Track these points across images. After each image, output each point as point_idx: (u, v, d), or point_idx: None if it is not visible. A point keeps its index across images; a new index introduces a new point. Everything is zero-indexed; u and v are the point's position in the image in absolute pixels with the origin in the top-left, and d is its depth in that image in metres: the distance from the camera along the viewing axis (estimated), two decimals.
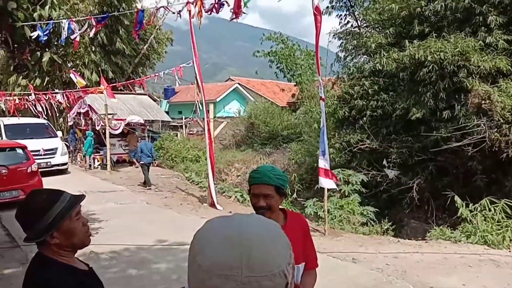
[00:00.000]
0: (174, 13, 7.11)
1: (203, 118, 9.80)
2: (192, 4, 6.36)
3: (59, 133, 15.95)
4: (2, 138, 13.68)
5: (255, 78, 31.31)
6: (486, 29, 8.70)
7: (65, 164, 14.45)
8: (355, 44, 11.59)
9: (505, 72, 8.33)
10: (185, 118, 21.25)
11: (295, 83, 22.49)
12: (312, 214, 8.96)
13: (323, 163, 7.24)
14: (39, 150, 13.26)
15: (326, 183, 7.28)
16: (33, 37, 6.12)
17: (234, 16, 6.58)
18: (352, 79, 11.48)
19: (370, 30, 11.83)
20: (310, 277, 2.11)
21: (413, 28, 9.77)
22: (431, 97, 8.86)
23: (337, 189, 8.50)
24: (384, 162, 10.04)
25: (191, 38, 6.83)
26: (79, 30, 7.77)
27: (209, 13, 6.31)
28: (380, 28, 11.43)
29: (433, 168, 9.21)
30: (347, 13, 12.68)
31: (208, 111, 10.10)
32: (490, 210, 7.17)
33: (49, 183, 9.65)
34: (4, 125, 14.52)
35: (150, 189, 11.85)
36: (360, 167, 10.11)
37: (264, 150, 16.13)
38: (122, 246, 6.36)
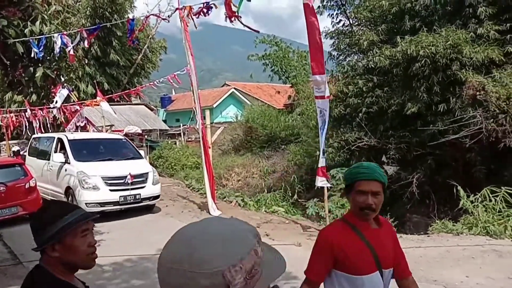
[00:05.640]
0: (164, 19, 7.17)
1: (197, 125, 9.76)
2: (182, 10, 6.42)
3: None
4: (68, 160, 9.53)
5: (251, 82, 31.36)
6: (476, 20, 8.74)
7: (158, 197, 9.85)
8: (347, 42, 11.60)
9: (497, 62, 8.35)
10: (182, 126, 21.27)
11: (290, 85, 22.51)
12: (314, 214, 8.96)
13: (323, 162, 7.27)
14: (125, 177, 9.08)
15: (321, 182, 7.32)
16: (24, 53, 6.16)
17: (228, 20, 6.60)
18: (346, 78, 11.49)
19: (362, 28, 11.84)
20: (414, 285, 2.06)
21: (404, 23, 9.80)
22: (425, 91, 8.88)
23: (331, 186, 8.50)
24: (383, 158, 10.03)
25: (185, 44, 6.81)
26: (72, 43, 7.81)
27: (197, 16, 6.38)
28: (372, 25, 11.45)
29: (432, 162, 9.21)
30: (339, 12, 12.67)
31: (203, 118, 10.09)
32: (490, 200, 7.18)
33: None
34: (69, 141, 9.94)
35: None
36: None
37: (263, 153, 16.12)
38: (125, 257, 6.32)
